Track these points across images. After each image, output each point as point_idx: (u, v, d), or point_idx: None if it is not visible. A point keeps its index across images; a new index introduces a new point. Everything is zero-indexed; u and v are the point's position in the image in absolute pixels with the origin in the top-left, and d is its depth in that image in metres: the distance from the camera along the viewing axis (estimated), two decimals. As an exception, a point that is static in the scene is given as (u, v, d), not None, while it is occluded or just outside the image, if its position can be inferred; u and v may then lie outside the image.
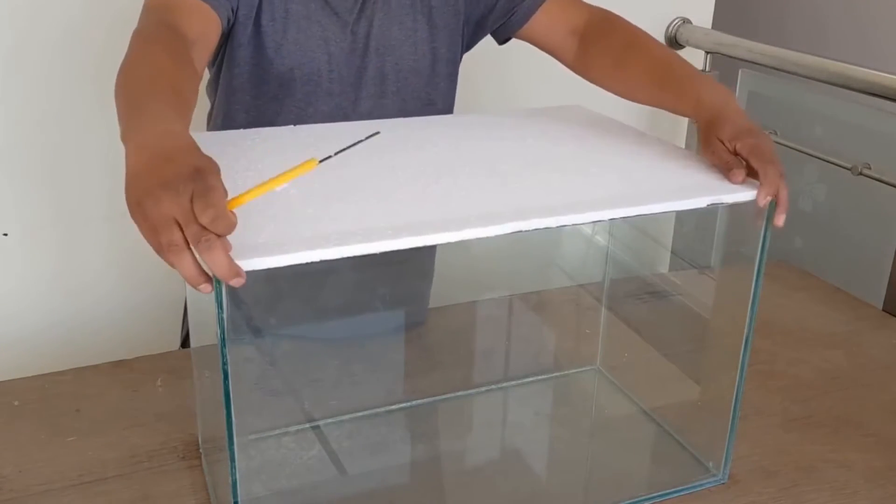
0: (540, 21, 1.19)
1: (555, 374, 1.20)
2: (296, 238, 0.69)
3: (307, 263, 0.68)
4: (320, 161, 0.69)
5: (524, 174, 0.89)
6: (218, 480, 0.88)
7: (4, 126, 1.46)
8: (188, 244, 0.64)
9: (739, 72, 1.97)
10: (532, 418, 1.13)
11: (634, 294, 1.30)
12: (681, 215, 1.31)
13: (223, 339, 0.69)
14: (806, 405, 1.10)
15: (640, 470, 1.04)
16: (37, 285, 1.59)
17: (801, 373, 1.18)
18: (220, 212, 0.63)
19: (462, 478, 1.01)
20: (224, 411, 0.71)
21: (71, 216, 1.56)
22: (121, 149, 0.72)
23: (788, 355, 1.22)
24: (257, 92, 1.12)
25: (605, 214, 0.79)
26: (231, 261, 0.64)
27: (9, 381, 1.08)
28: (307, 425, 1.04)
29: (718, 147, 0.89)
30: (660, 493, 0.93)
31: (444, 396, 1.12)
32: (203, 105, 1.08)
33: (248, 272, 0.65)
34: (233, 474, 0.73)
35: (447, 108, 1.22)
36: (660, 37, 1.99)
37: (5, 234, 1.54)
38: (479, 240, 0.73)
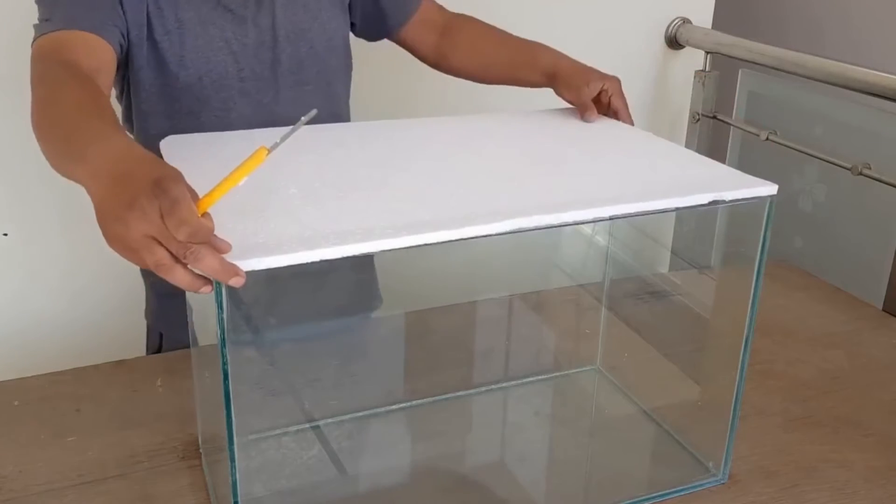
0: (412, 22, 1.25)
1: (555, 374, 1.20)
2: (296, 238, 0.69)
3: (307, 263, 0.68)
4: (270, 150, 0.68)
5: (525, 173, 0.89)
6: (218, 480, 0.88)
7: (4, 126, 1.46)
8: (175, 258, 0.64)
9: (739, 72, 1.97)
10: (532, 418, 1.13)
11: (634, 294, 1.30)
12: (681, 215, 1.31)
13: (223, 339, 0.69)
14: (806, 405, 1.10)
15: (640, 470, 1.03)
16: (37, 285, 1.59)
17: (800, 373, 1.18)
18: (193, 226, 0.62)
19: (462, 478, 1.01)
20: (224, 411, 0.71)
21: (71, 216, 1.56)
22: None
23: (788, 355, 1.22)
24: (170, 111, 1.09)
25: (607, 212, 0.79)
26: (224, 262, 0.64)
27: (9, 381, 1.08)
28: (307, 425, 1.03)
29: (583, 91, 1.10)
30: (660, 493, 0.93)
31: (444, 396, 1.12)
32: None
33: (247, 272, 0.65)
34: (233, 474, 0.73)
35: (348, 91, 1.24)
36: (660, 37, 1.99)
37: (5, 234, 1.54)
38: (479, 240, 0.73)
